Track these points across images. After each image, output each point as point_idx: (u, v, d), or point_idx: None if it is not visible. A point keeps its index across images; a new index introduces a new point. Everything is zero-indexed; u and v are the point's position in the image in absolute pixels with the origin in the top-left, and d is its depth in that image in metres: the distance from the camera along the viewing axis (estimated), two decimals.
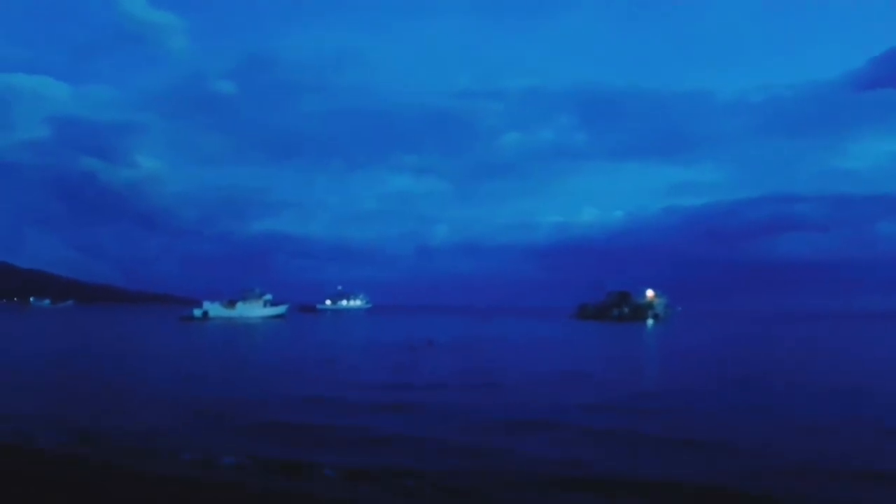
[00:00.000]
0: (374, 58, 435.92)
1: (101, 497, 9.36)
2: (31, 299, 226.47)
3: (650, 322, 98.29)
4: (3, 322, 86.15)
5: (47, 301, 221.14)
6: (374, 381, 24.74)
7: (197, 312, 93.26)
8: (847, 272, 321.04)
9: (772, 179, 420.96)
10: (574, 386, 23.04)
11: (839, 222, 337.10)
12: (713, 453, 13.13)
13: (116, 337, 54.34)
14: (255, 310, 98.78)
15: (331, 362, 31.84)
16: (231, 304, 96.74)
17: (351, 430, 14.89)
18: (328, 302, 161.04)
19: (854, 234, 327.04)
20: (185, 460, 12.14)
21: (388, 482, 10.91)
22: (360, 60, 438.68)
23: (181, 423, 15.50)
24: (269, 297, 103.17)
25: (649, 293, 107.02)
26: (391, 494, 10.39)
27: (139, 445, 13.13)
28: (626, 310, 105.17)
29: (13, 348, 40.52)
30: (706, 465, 12.24)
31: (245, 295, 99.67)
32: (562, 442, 14.12)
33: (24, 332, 63.42)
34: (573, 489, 10.77)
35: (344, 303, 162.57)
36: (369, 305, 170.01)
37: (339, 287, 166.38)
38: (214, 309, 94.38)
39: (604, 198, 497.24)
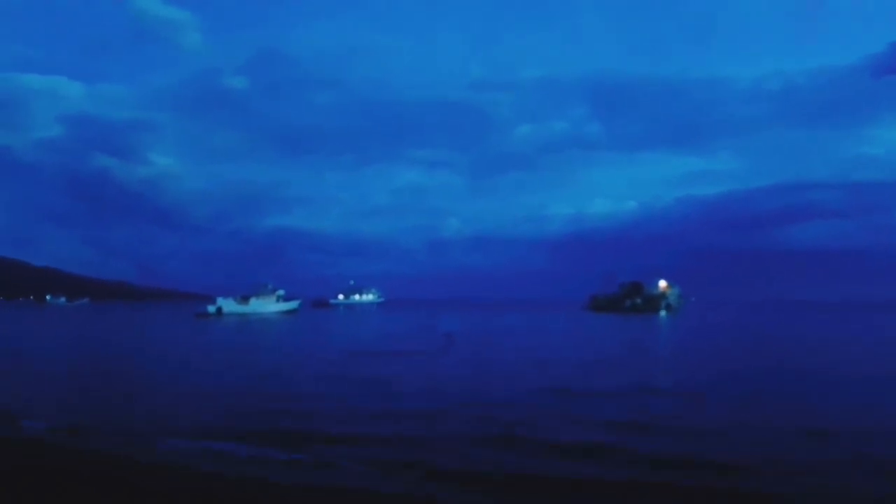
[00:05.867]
0: (385, 51, 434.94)
1: (125, 490, 9.57)
2: (47, 297, 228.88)
3: (663, 313, 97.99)
4: (20, 320, 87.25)
5: (63, 298, 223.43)
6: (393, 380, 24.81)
7: (211, 309, 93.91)
8: (866, 260, 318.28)
9: (788, 167, 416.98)
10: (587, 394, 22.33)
11: (857, 210, 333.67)
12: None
13: (134, 334, 55.03)
14: (268, 305, 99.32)
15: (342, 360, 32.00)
16: (244, 299, 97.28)
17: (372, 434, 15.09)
18: (340, 297, 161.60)
19: (873, 222, 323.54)
20: (206, 455, 12.38)
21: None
22: (371, 54, 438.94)
23: (206, 420, 15.74)
24: (281, 292, 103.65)
25: (662, 284, 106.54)
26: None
27: (161, 440, 13.41)
28: (638, 301, 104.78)
29: (35, 346, 41.09)
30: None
31: (258, 291, 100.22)
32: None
33: (44, 329, 64.23)
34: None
35: (356, 297, 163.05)
36: (381, 300, 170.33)
37: (352, 282, 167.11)
38: (228, 305, 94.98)
39: (618, 189, 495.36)
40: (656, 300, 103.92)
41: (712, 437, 13.62)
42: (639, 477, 10.74)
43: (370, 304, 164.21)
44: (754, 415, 16.06)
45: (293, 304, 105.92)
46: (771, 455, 12.08)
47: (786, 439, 13.38)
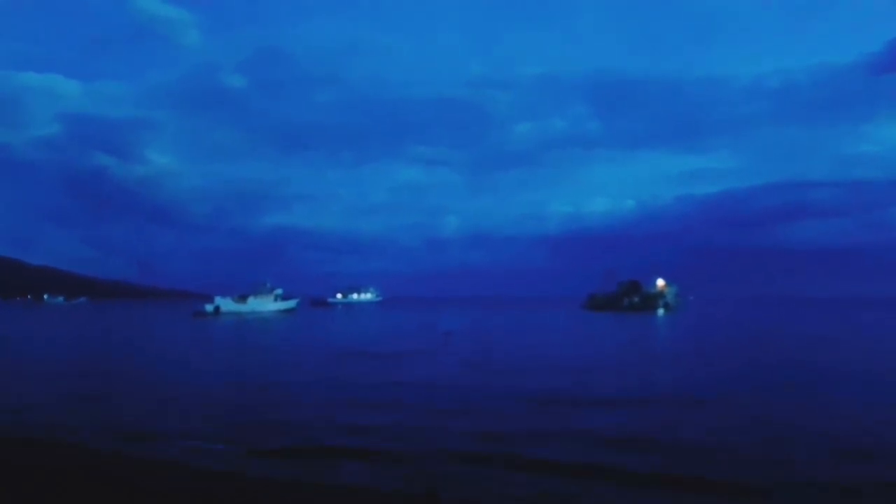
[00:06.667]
0: (385, 48, 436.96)
1: (126, 490, 9.53)
2: (45, 296, 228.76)
3: (661, 311, 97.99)
4: (19, 319, 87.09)
5: (61, 298, 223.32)
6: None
7: (208, 308, 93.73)
8: (863, 258, 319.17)
9: (787, 165, 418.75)
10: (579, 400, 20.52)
11: (855, 208, 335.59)
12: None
13: (130, 334, 54.95)
14: (266, 304, 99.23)
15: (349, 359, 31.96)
16: (242, 298, 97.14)
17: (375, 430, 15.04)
18: (339, 295, 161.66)
19: (870, 219, 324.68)
20: (204, 455, 12.36)
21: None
22: (370, 51, 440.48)
23: (202, 420, 15.73)
24: (280, 291, 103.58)
25: (660, 282, 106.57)
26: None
27: (160, 439, 13.43)
28: (636, 299, 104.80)
29: (32, 346, 41.08)
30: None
31: (257, 289, 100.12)
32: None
33: (41, 329, 64.12)
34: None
35: (355, 296, 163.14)
36: (380, 298, 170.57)
37: (350, 280, 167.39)
38: (226, 304, 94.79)
39: (616, 187, 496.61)
40: (654, 299, 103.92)
41: (717, 454, 12.41)
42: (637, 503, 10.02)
43: (369, 302, 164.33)
44: (759, 426, 14.97)
45: (291, 303, 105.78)
46: (782, 475, 11.02)
47: (797, 454, 12.36)
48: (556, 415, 16.39)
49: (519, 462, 11.92)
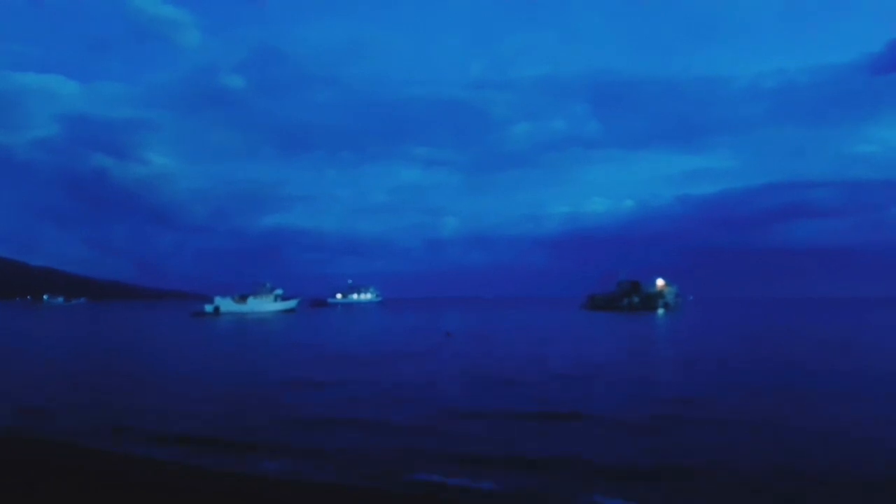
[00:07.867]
0: (384, 49, 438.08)
1: (123, 488, 9.56)
2: (45, 297, 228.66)
3: (660, 311, 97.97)
4: (19, 320, 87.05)
5: (60, 298, 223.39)
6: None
7: (208, 308, 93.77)
8: (863, 258, 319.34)
9: (787, 166, 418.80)
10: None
11: (855, 208, 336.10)
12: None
13: (128, 335, 54.87)
14: (265, 304, 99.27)
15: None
16: (242, 299, 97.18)
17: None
18: (339, 296, 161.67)
19: (870, 220, 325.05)
20: (200, 454, 12.37)
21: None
22: (370, 52, 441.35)
23: (197, 420, 15.75)
24: (279, 291, 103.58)
25: (659, 282, 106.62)
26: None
27: (156, 439, 13.44)
28: (636, 299, 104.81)
29: (33, 346, 41.08)
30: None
31: (257, 290, 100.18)
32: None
33: (41, 329, 64.07)
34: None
35: (354, 296, 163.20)
36: (380, 298, 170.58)
37: (350, 280, 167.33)
38: (226, 304, 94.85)
39: (615, 187, 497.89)
40: (653, 299, 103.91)
41: (722, 482, 10.58)
42: None
43: (369, 303, 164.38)
44: (766, 442, 13.31)
45: (291, 304, 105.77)
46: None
47: (809, 474, 10.83)
48: (554, 435, 14.36)
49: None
